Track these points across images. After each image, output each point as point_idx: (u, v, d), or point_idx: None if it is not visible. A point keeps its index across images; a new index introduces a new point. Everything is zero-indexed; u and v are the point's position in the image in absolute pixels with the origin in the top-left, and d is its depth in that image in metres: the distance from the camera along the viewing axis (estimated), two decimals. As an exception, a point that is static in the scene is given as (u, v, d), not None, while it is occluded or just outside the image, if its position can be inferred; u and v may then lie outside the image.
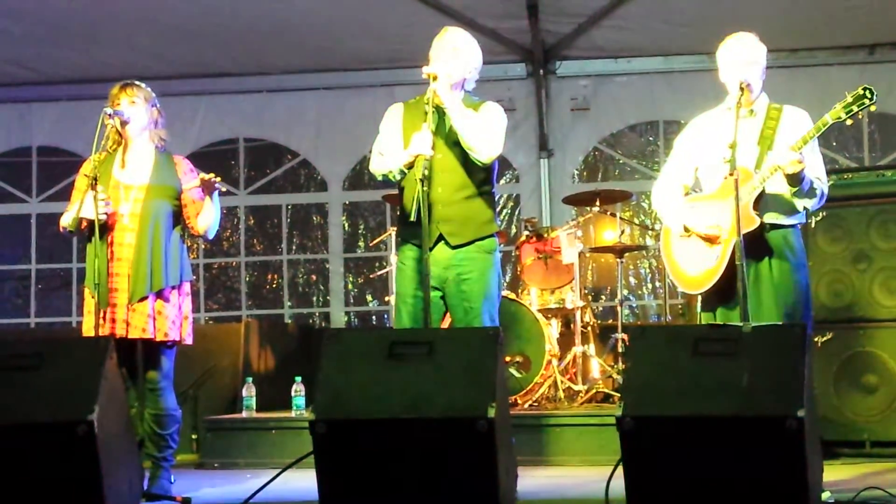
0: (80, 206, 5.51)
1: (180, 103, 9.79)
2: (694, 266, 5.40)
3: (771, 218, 5.26)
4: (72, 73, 9.88)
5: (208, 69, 10.02)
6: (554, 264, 8.40)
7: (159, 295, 5.62)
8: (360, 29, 9.36)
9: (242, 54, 9.79)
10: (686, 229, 5.40)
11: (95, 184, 5.46)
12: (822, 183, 5.30)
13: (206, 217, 5.76)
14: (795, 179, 5.13)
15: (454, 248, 5.57)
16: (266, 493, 4.95)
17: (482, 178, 5.65)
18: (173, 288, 5.68)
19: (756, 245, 5.19)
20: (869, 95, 5.10)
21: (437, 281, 5.49)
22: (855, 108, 5.11)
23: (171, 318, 5.64)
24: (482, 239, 5.63)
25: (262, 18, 9.17)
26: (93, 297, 5.50)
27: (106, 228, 5.55)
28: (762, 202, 5.23)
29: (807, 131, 5.16)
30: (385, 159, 5.65)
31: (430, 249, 5.35)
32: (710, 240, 5.31)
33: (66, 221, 5.65)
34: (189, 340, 5.78)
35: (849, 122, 5.18)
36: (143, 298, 5.57)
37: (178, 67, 9.81)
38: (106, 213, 5.51)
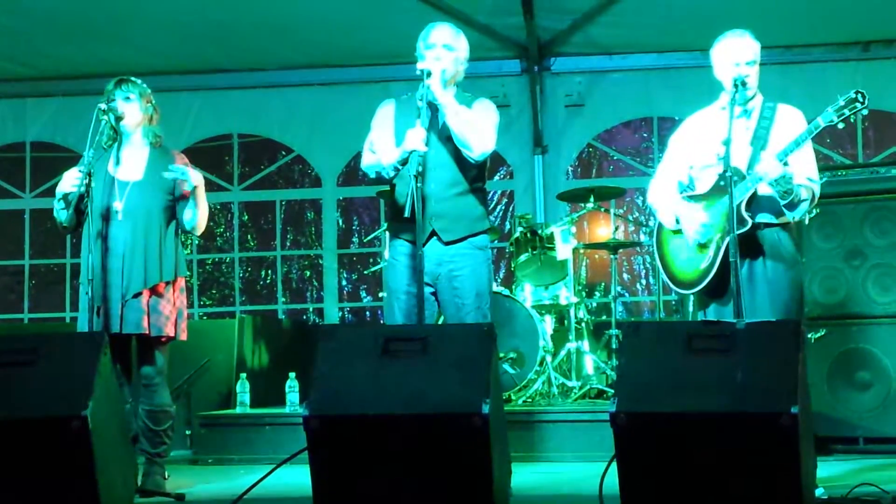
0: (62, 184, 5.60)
1: (175, 99, 9.78)
2: (687, 265, 5.41)
3: (764, 218, 5.26)
4: (67, 68, 9.86)
5: (203, 65, 10.01)
6: (548, 260, 8.40)
7: (153, 290, 5.62)
8: (354, 25, 9.35)
9: (237, 50, 9.78)
10: (678, 222, 5.42)
11: (90, 180, 5.47)
12: (812, 184, 5.30)
13: (188, 213, 5.76)
14: (784, 192, 5.13)
15: (446, 244, 5.57)
16: (260, 489, 4.94)
17: (474, 174, 5.66)
18: (167, 283, 5.68)
19: (749, 244, 5.20)
20: (861, 99, 5.10)
21: (428, 277, 5.48)
22: (846, 112, 5.11)
23: (165, 314, 5.64)
24: (474, 235, 5.64)
25: (257, 14, 9.16)
26: (87, 294, 5.52)
27: (100, 220, 5.56)
28: (754, 203, 5.24)
29: (798, 134, 5.16)
30: (378, 156, 5.65)
31: (423, 245, 5.35)
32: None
33: (55, 211, 5.68)
34: (183, 336, 5.78)
35: (840, 125, 5.18)
36: (138, 294, 5.57)
37: (172, 63, 9.80)
38: (82, 188, 5.49)
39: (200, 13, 9.12)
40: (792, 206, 5.23)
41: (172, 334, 5.69)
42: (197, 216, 5.75)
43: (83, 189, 5.47)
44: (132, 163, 5.72)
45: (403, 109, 5.70)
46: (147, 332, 5.58)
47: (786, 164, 5.11)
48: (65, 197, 5.61)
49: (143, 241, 5.62)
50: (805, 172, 5.26)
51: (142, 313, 5.57)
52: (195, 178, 5.68)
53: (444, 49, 5.58)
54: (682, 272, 5.46)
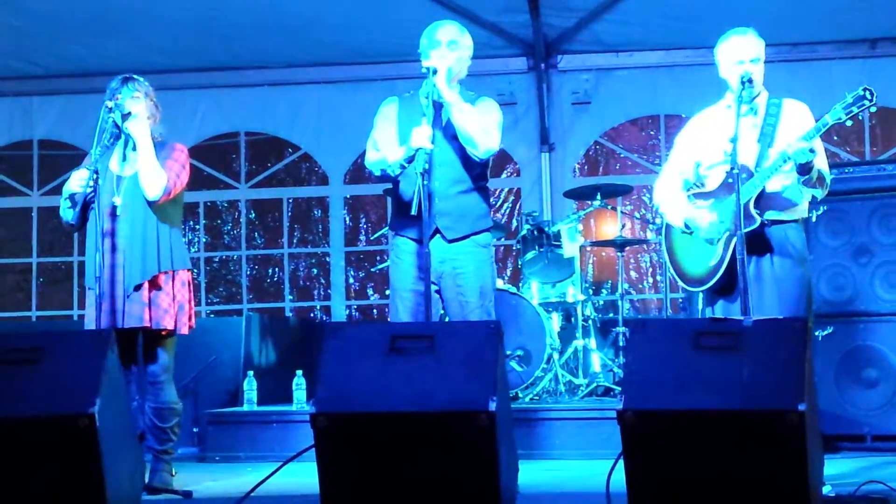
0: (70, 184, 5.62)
1: (182, 97, 9.81)
2: (695, 263, 5.41)
3: (771, 215, 5.26)
4: (73, 66, 9.88)
5: (210, 63, 10.01)
6: (555, 258, 8.40)
7: (153, 283, 5.61)
8: (361, 23, 9.36)
9: (244, 48, 9.79)
10: (687, 226, 5.41)
11: (97, 177, 5.47)
12: (827, 173, 5.30)
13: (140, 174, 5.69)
14: (804, 167, 5.12)
15: (450, 242, 5.57)
16: (267, 487, 4.94)
17: (478, 172, 5.67)
18: (167, 276, 5.66)
19: (757, 241, 5.19)
20: (869, 96, 5.08)
21: (432, 275, 5.48)
22: (855, 109, 5.09)
23: (164, 307, 5.63)
24: (477, 233, 5.65)
25: (264, 12, 9.17)
26: (90, 290, 5.54)
27: (104, 218, 5.56)
28: (762, 200, 5.24)
29: (805, 130, 5.15)
30: (383, 153, 5.65)
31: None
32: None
33: (62, 210, 5.70)
34: (184, 331, 5.74)
35: (848, 122, 5.16)
36: (139, 287, 5.57)
37: (179, 61, 9.81)
38: (90, 188, 5.49)
39: (207, 11, 9.14)
40: (811, 182, 5.20)
41: (171, 327, 5.66)
42: (141, 179, 5.65)
43: (91, 188, 5.48)
44: (134, 160, 5.71)
45: (406, 107, 5.71)
46: (148, 325, 5.57)
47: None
48: (71, 196, 5.62)
49: (141, 233, 5.61)
50: (819, 163, 5.25)
51: (143, 306, 5.57)
52: (133, 128, 5.65)
53: (449, 47, 5.60)
54: (692, 269, 5.46)
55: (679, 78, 9.69)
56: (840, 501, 4.77)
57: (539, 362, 8.03)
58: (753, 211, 5.18)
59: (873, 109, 5.14)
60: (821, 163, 5.24)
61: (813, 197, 5.36)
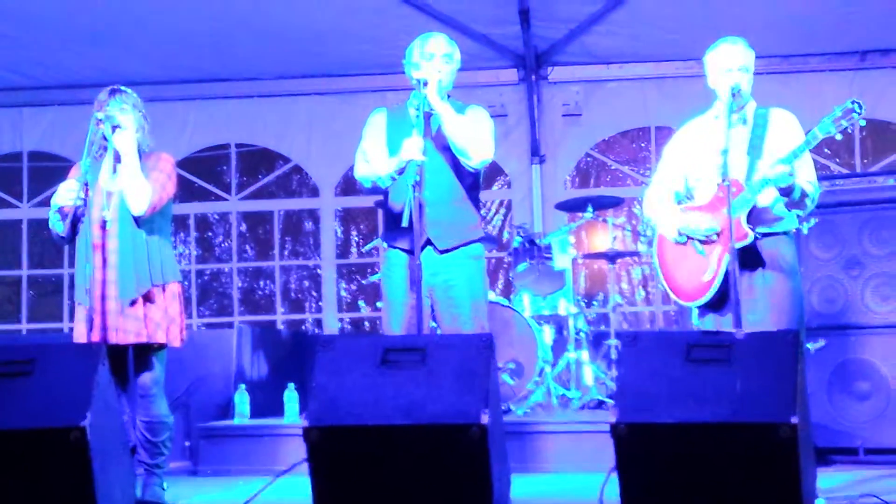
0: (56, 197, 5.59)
1: (172, 108, 9.79)
2: (689, 277, 5.39)
3: (763, 229, 5.26)
4: (64, 77, 9.86)
5: (200, 74, 10.00)
6: (546, 270, 8.39)
7: (145, 297, 5.60)
8: (352, 34, 9.36)
9: (234, 59, 9.77)
10: (681, 234, 5.39)
11: (87, 190, 5.46)
12: (812, 189, 5.30)
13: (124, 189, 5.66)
14: (785, 190, 5.14)
15: (441, 252, 5.56)
16: (259, 501, 4.94)
17: (470, 182, 5.66)
18: (158, 289, 5.64)
19: (749, 255, 5.19)
20: (858, 108, 5.08)
21: (424, 288, 5.46)
22: (844, 122, 5.09)
23: (156, 320, 5.61)
24: (468, 244, 5.64)
25: (255, 24, 9.16)
26: (79, 304, 5.52)
27: (94, 231, 5.54)
28: (754, 214, 5.24)
29: (796, 143, 5.16)
30: (373, 165, 5.64)
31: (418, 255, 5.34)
32: (708, 242, 5.30)
33: (51, 222, 5.68)
34: (176, 343, 5.73)
35: (838, 136, 5.16)
36: (133, 302, 5.56)
37: (170, 72, 9.80)
38: (81, 200, 5.48)
39: (197, 23, 9.12)
40: (792, 203, 5.21)
41: (163, 340, 5.64)
42: (125, 194, 5.61)
43: (82, 201, 5.47)
44: (122, 172, 5.70)
45: (394, 118, 5.72)
46: (145, 340, 5.56)
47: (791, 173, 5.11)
48: (61, 209, 5.60)
49: (131, 247, 5.59)
50: (805, 178, 5.26)
51: (138, 321, 5.56)
52: (119, 141, 5.63)
53: (443, 59, 5.60)
54: (685, 284, 5.43)
55: (669, 90, 9.69)
56: (833, 514, 4.79)
57: (531, 375, 8.01)
58: (746, 227, 5.18)
59: (862, 123, 5.15)
60: (805, 177, 5.25)
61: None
